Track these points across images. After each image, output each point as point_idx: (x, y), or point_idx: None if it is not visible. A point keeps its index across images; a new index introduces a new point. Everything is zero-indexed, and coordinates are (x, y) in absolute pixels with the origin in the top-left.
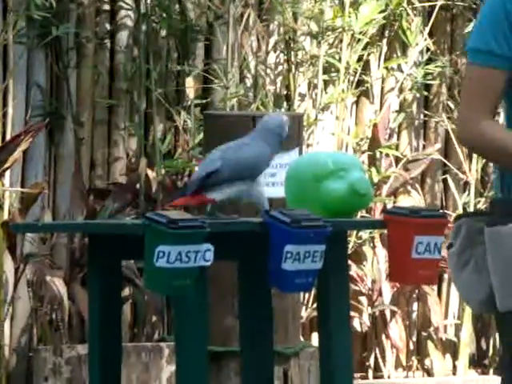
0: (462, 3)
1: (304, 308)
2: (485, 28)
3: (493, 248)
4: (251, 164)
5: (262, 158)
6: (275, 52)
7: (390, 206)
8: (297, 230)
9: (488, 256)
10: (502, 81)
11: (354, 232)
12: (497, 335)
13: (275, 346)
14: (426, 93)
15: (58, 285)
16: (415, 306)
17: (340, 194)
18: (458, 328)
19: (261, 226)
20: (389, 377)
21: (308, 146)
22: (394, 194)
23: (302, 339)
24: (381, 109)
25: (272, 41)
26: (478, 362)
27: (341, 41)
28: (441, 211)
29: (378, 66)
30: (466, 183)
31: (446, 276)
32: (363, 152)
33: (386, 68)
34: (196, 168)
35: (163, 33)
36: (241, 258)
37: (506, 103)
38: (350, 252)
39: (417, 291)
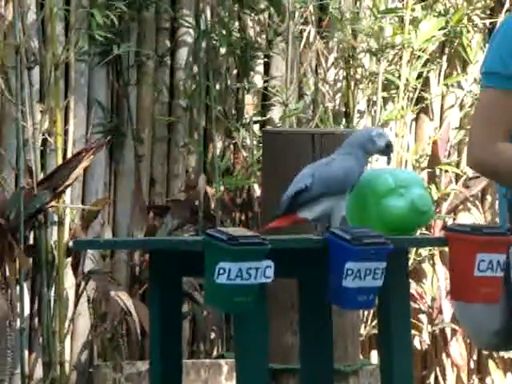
0: None
1: (363, 325)
2: (502, 51)
3: None
4: (340, 180)
5: (350, 173)
6: (335, 69)
7: (449, 223)
8: (358, 247)
9: None
10: None
11: (414, 249)
12: None
13: (334, 364)
14: None
15: (124, 299)
16: None
17: (401, 212)
18: None
19: (321, 242)
20: None
21: (367, 163)
22: (453, 211)
23: (361, 357)
24: (440, 126)
25: (331, 58)
26: None
27: (400, 58)
28: (503, 229)
29: (438, 82)
30: None
31: None
32: (423, 169)
33: (446, 85)
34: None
35: (223, 50)
36: (301, 274)
37: None
38: (409, 269)
39: None
